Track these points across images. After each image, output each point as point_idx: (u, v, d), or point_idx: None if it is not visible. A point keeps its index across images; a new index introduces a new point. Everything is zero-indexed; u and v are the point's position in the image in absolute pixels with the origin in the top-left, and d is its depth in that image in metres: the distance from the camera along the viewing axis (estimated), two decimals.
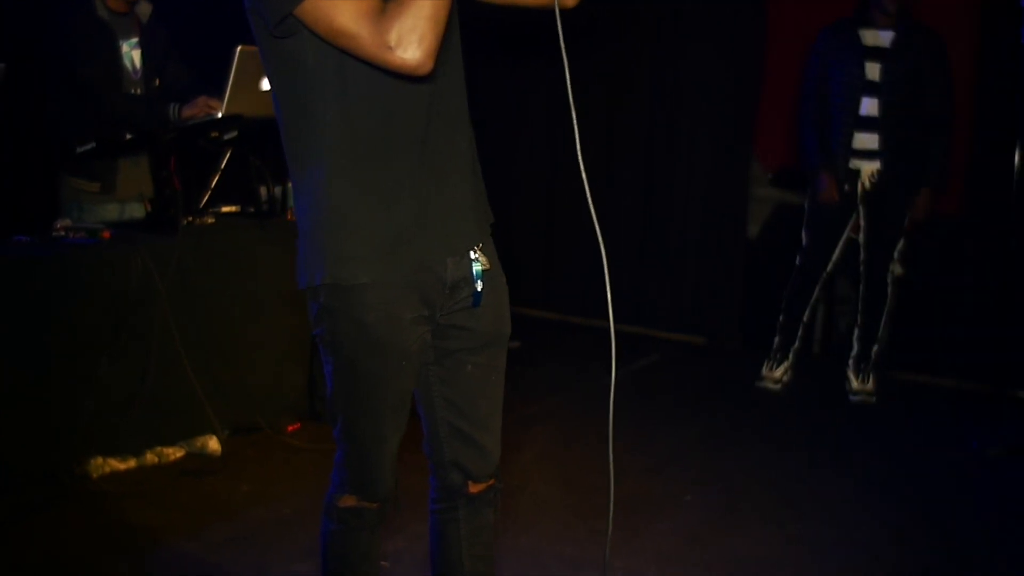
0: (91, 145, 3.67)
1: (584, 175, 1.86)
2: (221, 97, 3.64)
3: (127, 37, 3.91)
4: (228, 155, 3.92)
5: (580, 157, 1.87)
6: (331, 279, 1.82)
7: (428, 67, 1.68)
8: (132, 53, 3.93)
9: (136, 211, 3.98)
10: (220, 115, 3.60)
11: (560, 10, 1.82)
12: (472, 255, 1.93)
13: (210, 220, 3.85)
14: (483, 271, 1.94)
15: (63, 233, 3.42)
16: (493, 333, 2.01)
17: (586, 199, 1.87)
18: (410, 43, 1.65)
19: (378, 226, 1.82)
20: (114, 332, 3.37)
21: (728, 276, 5.73)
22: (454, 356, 1.99)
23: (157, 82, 4.02)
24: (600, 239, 1.88)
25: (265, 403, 3.93)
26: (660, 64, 5.80)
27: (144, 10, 3.98)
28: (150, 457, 3.59)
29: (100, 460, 3.42)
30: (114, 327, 3.36)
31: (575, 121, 1.82)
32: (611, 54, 5.79)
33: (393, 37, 1.64)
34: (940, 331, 5.10)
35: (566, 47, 1.78)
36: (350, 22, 1.66)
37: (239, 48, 3.47)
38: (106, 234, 3.43)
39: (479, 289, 1.94)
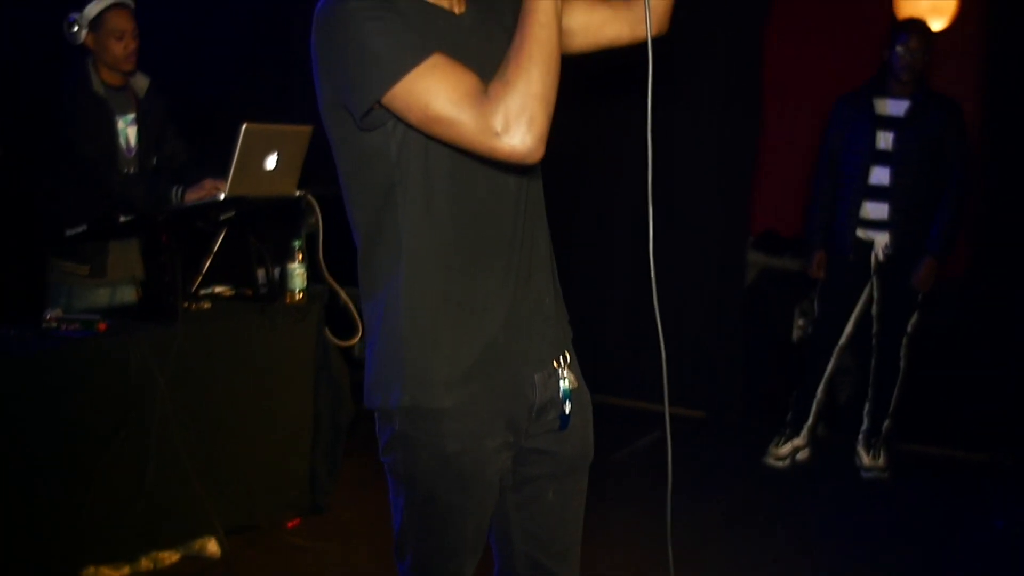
0: (82, 228, 3.46)
1: (652, 263, 1.74)
2: (224, 176, 3.46)
3: (123, 113, 3.73)
4: (223, 235, 3.73)
5: (651, 241, 1.77)
6: (410, 402, 1.64)
7: (540, 154, 1.51)
8: (127, 130, 3.74)
9: (127, 294, 3.77)
10: (223, 197, 3.41)
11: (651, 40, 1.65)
12: (560, 372, 1.76)
13: (206, 305, 3.66)
14: (570, 390, 1.77)
15: (55, 324, 3.18)
16: (578, 457, 1.84)
17: (651, 285, 1.78)
18: (519, 128, 1.48)
19: (463, 341, 1.65)
20: (112, 431, 3.14)
21: (727, 348, 5.59)
22: (535, 482, 1.81)
23: (154, 160, 3.83)
24: (659, 322, 1.80)
25: (265, 498, 3.72)
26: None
27: (140, 83, 3.80)
28: (145, 563, 3.34)
29: (92, 570, 3.17)
30: (112, 426, 3.14)
31: (651, 201, 1.67)
32: (603, 120, 5.67)
33: (499, 121, 1.47)
34: (946, 400, 5.00)
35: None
36: (449, 106, 1.50)
37: (244, 126, 3.29)
38: (102, 326, 3.20)
39: (567, 411, 1.76)
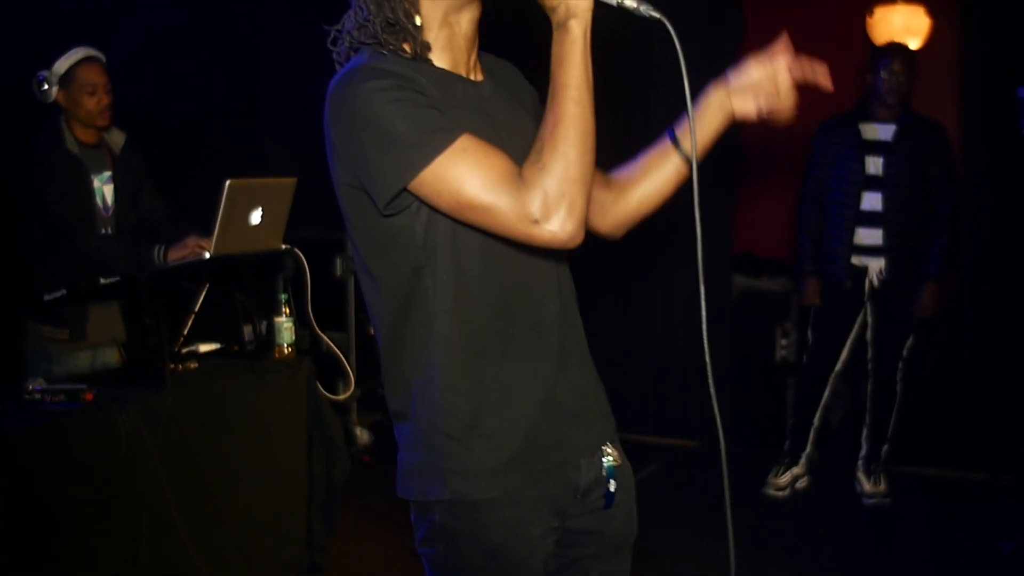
0: (61, 292, 3.33)
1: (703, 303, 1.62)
2: (206, 231, 3.35)
3: (99, 171, 3.61)
4: (205, 291, 3.62)
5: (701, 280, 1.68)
6: (452, 494, 1.54)
7: (580, 239, 1.43)
8: (104, 189, 3.62)
9: (109, 356, 3.65)
10: (208, 255, 3.29)
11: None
12: (603, 450, 1.68)
13: (193, 365, 3.53)
14: (615, 467, 1.68)
15: (39, 396, 3.04)
16: (624, 535, 1.76)
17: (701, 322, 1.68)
18: (558, 214, 1.40)
19: (504, 428, 1.56)
20: (103, 505, 3.00)
21: (716, 374, 5.52)
22: (578, 564, 1.71)
23: (132, 217, 3.71)
24: (708, 359, 1.69)
25: (262, 560, 3.57)
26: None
27: (116, 139, 3.68)
28: None
29: None
30: (103, 500, 3.00)
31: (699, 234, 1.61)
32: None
33: (537, 208, 1.40)
34: (943, 420, 4.98)
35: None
36: (483, 192, 1.42)
37: (228, 182, 3.18)
38: (88, 396, 3.07)
39: (612, 489, 1.68)
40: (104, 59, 3.59)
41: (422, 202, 1.49)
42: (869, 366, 4.52)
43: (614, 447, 1.71)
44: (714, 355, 5.01)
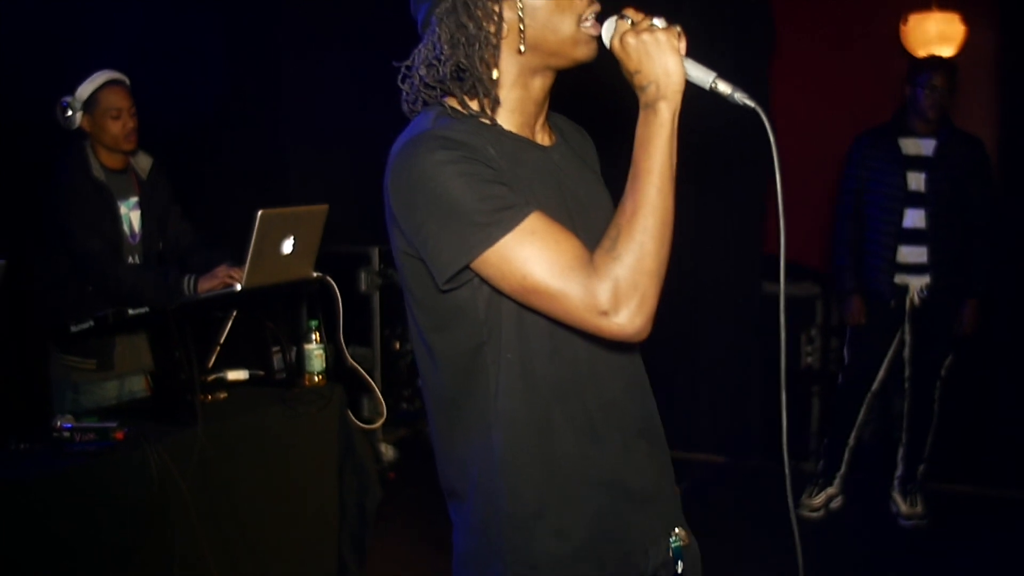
0: (89, 324, 3.25)
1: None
2: (236, 259, 3.27)
3: (125, 198, 3.52)
4: (233, 317, 3.55)
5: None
6: None
7: (647, 333, 1.37)
8: (130, 215, 3.53)
9: (136, 385, 3.59)
10: (239, 287, 3.21)
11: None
12: (672, 533, 1.60)
13: (223, 395, 3.46)
14: (682, 548, 1.60)
15: (67, 436, 2.97)
16: None
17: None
18: (628, 307, 1.33)
19: (570, 516, 1.48)
20: (134, 545, 2.93)
21: (744, 386, 5.44)
22: None
23: (160, 244, 3.63)
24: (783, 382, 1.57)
25: None
26: None
27: (143, 163, 3.60)
28: None
29: None
30: (134, 540, 2.93)
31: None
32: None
33: (607, 299, 1.32)
34: (976, 438, 4.89)
35: None
36: (550, 278, 1.34)
37: (260, 213, 3.10)
38: (119, 435, 2.99)
39: (679, 571, 1.60)
40: (128, 82, 3.51)
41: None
42: (906, 384, 4.42)
43: (682, 527, 1.64)
44: (744, 363, 4.92)
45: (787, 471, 1.56)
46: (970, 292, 4.26)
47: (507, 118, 1.53)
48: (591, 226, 1.52)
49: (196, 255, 3.61)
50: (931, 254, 4.21)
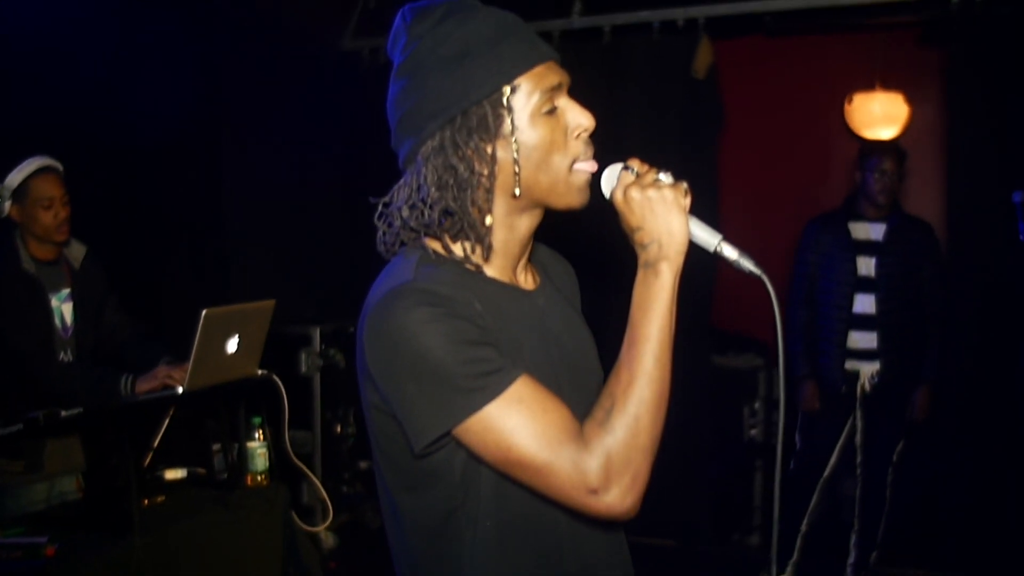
0: (18, 427, 3.05)
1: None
2: (175, 356, 3.11)
3: (56, 290, 3.34)
4: (171, 415, 3.37)
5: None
6: None
7: (636, 511, 1.27)
8: (62, 308, 3.35)
9: (67, 486, 3.36)
10: (181, 389, 3.05)
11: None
12: None
13: (160, 499, 3.28)
14: None
15: None
16: None
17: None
18: (620, 484, 1.24)
19: None
20: None
21: (695, 473, 5.35)
22: None
23: (92, 337, 3.44)
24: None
25: None
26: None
27: (76, 252, 3.42)
28: None
29: None
30: None
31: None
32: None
33: (597, 476, 1.23)
34: (932, 524, 4.87)
35: None
36: (536, 451, 1.24)
37: (204, 312, 2.96)
38: (50, 551, 2.79)
39: None
40: (61, 168, 3.35)
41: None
42: (858, 471, 4.38)
43: None
44: (692, 436, 4.79)
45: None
46: (922, 378, 4.24)
47: (491, 261, 1.43)
48: (578, 380, 1.45)
49: (133, 349, 3.44)
50: (881, 340, 4.18)
